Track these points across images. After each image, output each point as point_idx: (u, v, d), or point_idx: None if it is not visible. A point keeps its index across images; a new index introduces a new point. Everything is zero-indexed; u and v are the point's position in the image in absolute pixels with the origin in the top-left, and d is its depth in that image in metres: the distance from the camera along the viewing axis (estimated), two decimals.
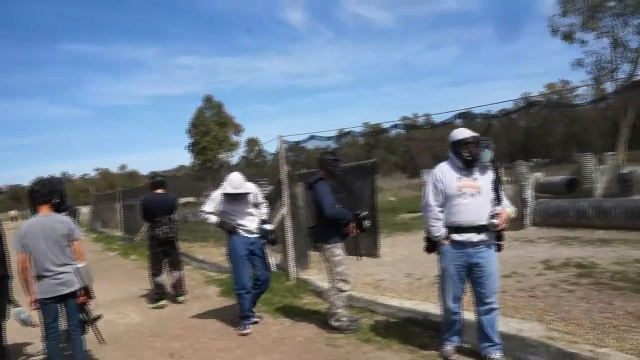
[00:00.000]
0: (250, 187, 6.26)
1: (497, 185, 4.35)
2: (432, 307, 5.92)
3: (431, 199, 4.42)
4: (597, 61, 28.40)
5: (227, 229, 6.25)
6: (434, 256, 4.65)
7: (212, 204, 6.28)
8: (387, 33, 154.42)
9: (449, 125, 6.65)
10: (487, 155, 4.32)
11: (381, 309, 6.30)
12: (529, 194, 14.24)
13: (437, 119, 6.71)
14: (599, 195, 18.14)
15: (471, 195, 4.28)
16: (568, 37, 28.19)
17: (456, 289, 4.43)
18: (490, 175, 4.37)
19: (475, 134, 4.33)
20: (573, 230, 12.28)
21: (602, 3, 26.10)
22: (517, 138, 74.53)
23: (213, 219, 6.30)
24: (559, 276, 7.44)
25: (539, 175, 27.60)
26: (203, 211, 6.33)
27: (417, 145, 74.57)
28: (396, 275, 8.41)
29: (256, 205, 6.39)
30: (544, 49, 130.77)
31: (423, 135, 71.17)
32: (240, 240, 6.18)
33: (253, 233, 6.26)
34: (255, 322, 6.30)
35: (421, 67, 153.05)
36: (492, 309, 4.43)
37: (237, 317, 6.29)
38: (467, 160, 4.29)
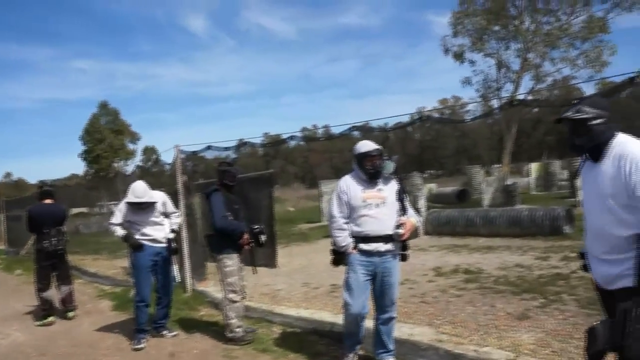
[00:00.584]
0: (156, 196, 6.09)
1: (402, 195, 4.43)
2: (328, 316, 6.04)
3: (335, 210, 4.44)
4: (484, 80, 30.42)
5: (132, 244, 6.04)
6: (330, 266, 4.70)
7: (119, 215, 6.06)
8: (289, 44, 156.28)
9: (346, 137, 6.85)
10: (389, 166, 4.38)
11: (278, 318, 6.33)
12: (422, 204, 14.91)
13: (336, 131, 6.83)
14: (486, 205, 19.27)
15: (376, 206, 4.33)
16: (458, 56, 29.96)
17: (362, 299, 4.41)
18: (394, 185, 4.44)
19: (379, 147, 4.39)
20: (462, 238, 13.01)
21: (488, 27, 27.98)
22: (412, 150, 77.59)
23: (119, 231, 6.06)
24: (449, 282, 7.83)
25: (432, 186, 28.98)
26: (111, 223, 6.10)
27: (316, 156, 75.80)
28: (293, 285, 8.49)
29: (166, 215, 6.23)
30: (438, 66, 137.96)
31: (322, 146, 72.49)
32: (146, 250, 5.99)
33: (159, 242, 6.09)
34: (175, 335, 6.16)
35: (322, 79, 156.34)
36: (391, 318, 4.51)
37: (133, 330, 6.09)
38: (370, 172, 4.36)
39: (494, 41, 28.92)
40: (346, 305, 4.44)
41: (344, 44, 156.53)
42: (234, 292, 5.61)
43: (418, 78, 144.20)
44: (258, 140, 8.68)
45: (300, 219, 22.49)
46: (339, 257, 4.49)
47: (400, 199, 4.41)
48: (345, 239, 4.39)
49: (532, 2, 27.07)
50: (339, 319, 5.01)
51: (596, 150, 2.72)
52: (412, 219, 4.45)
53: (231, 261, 5.60)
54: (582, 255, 2.97)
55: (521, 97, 24.99)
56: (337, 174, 5.01)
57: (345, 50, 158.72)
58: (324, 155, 75.51)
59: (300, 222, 21.14)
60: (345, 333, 4.64)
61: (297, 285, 8.46)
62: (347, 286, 4.42)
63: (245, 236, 5.62)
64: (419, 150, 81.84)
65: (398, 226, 4.30)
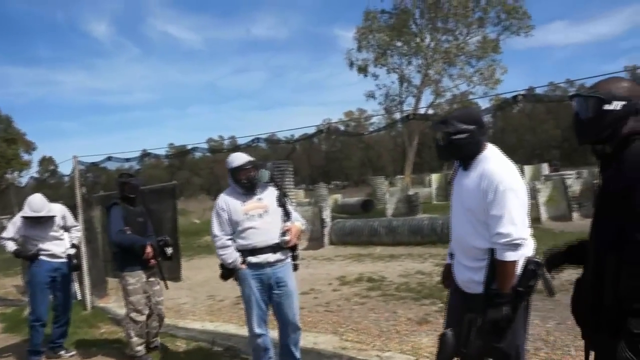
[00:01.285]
0: (55, 210, 5.78)
1: (282, 200, 4.37)
2: (233, 328, 6.02)
3: (216, 229, 4.33)
4: (387, 94, 31.46)
5: (26, 258, 5.72)
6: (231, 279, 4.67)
7: (12, 229, 5.70)
8: (195, 54, 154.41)
9: (252, 148, 6.87)
10: (264, 175, 4.32)
11: (182, 332, 6.22)
12: (327, 214, 15.13)
13: (242, 141, 6.84)
14: (389, 215, 19.80)
15: (259, 216, 4.25)
16: (363, 70, 30.73)
17: (261, 313, 4.29)
18: (273, 192, 4.39)
19: (251, 159, 4.32)
20: (366, 247, 13.31)
21: (391, 43, 29.04)
22: (318, 162, 78.56)
23: (11, 246, 5.71)
24: (353, 290, 8.01)
25: (337, 196, 29.45)
26: (2, 238, 5.73)
27: (222, 167, 74.79)
28: (198, 298, 8.38)
29: (66, 228, 5.94)
30: (343, 79, 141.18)
31: (228, 157, 71.88)
32: (43, 266, 5.66)
33: (58, 258, 5.77)
34: (73, 355, 5.89)
35: (228, 90, 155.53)
36: (297, 328, 4.41)
37: (26, 352, 5.75)
38: (246, 186, 4.28)
39: (396, 56, 30.03)
40: (249, 322, 4.31)
41: (251, 56, 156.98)
42: (137, 311, 5.32)
43: (324, 90, 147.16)
44: (162, 151, 8.51)
45: (206, 230, 21.89)
46: (228, 271, 4.36)
47: (282, 205, 4.35)
48: (231, 255, 4.24)
49: (431, 21, 28.44)
50: (244, 331, 4.98)
51: (463, 160, 2.86)
52: (297, 223, 4.38)
53: (134, 279, 5.31)
54: (452, 256, 3.06)
55: (422, 110, 26.13)
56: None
57: (252, 62, 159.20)
58: None
59: (206, 234, 20.69)
60: (253, 353, 4.43)
61: (202, 298, 8.35)
62: (247, 303, 4.30)
63: (149, 249, 5.34)
64: (325, 161, 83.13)
65: (284, 233, 4.23)
